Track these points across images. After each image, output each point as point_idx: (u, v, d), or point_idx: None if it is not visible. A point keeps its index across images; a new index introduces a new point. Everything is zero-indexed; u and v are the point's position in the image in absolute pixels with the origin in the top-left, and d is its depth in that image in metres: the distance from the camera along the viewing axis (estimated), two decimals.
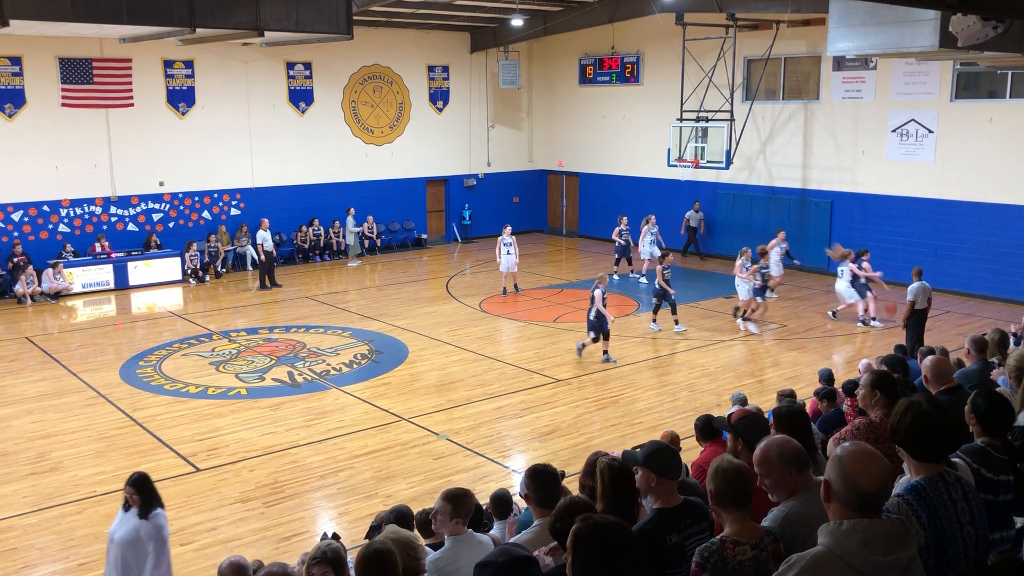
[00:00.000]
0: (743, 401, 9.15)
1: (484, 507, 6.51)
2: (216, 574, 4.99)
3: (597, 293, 13.80)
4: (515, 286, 18.98)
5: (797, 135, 21.33)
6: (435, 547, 4.91)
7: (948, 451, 3.45)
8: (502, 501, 6.37)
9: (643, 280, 20.03)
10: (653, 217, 20.37)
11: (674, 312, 15.70)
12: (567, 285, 20.27)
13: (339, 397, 12.58)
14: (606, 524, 2.95)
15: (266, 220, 20.28)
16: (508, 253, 18.45)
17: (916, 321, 13.41)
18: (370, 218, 24.21)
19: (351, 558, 5.35)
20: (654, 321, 15.91)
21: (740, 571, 3.33)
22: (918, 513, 3.12)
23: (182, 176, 21.53)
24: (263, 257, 19.94)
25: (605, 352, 14.05)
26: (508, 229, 18.84)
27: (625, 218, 20.69)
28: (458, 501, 4.73)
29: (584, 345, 14.17)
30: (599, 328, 13.89)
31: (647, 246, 19.96)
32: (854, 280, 16.09)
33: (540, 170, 28.28)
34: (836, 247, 17.26)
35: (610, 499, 4.08)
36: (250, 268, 22.15)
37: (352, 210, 23.45)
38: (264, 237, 19.89)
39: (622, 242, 20.39)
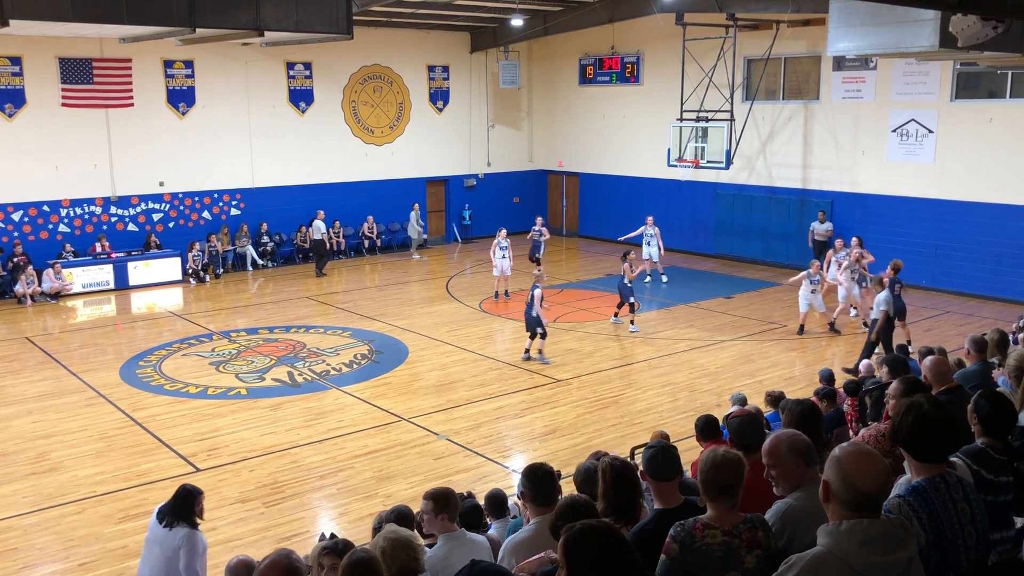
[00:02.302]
0: (743, 401, 9.16)
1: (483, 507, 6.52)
2: (224, 572, 4.98)
3: (538, 292, 13.97)
4: (506, 291, 18.89)
5: (797, 135, 21.33)
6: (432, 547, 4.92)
7: (949, 452, 3.45)
8: (496, 501, 6.38)
9: (647, 280, 20.02)
10: (651, 219, 20.24)
11: (623, 309, 16.17)
12: (567, 285, 20.26)
13: (339, 397, 12.59)
14: (595, 528, 2.93)
15: (321, 212, 21.89)
16: (504, 257, 18.41)
17: (887, 329, 13.10)
18: (370, 218, 24.23)
19: None
20: (631, 322, 16.07)
21: (707, 553, 3.34)
22: (919, 514, 3.12)
23: (182, 176, 21.53)
24: (325, 245, 21.61)
25: (540, 352, 14.13)
26: (504, 232, 18.76)
27: (540, 218, 20.69)
28: (439, 498, 4.78)
29: (529, 348, 14.21)
30: (539, 325, 13.98)
31: (645, 247, 19.91)
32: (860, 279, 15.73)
33: (540, 170, 28.28)
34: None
35: (611, 499, 4.08)
36: (250, 268, 22.16)
37: (417, 206, 24.30)
38: (319, 227, 21.49)
39: (536, 241, 20.30)
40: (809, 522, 3.32)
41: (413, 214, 24.22)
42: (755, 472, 3.97)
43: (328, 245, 22.16)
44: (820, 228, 20.50)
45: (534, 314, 13.90)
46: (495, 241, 18.58)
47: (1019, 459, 4.10)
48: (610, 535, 2.91)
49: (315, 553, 4.36)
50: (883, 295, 13.14)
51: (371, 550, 3.73)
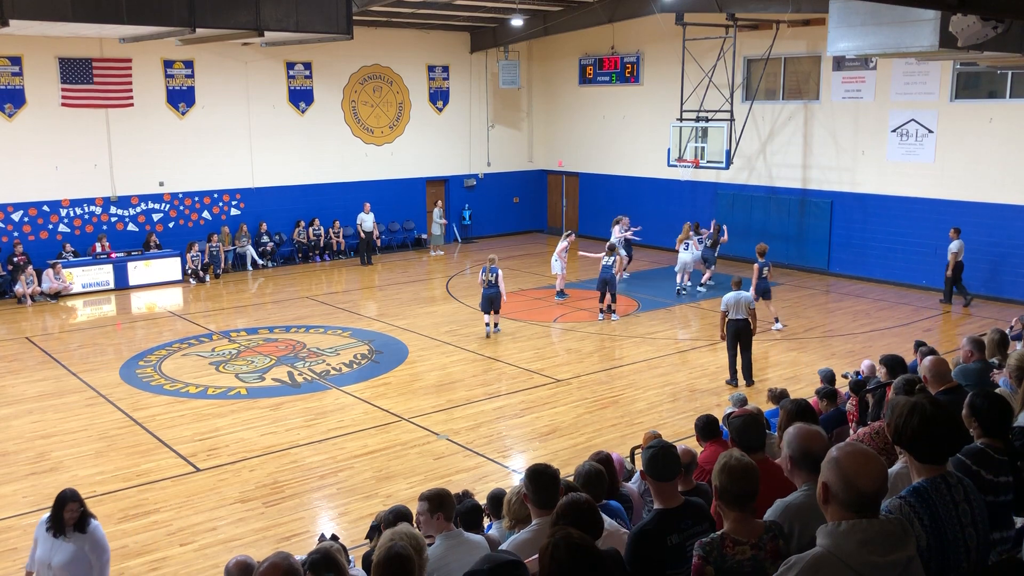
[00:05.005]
0: (743, 401, 9.16)
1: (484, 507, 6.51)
2: (223, 573, 4.98)
3: (501, 273, 15.47)
4: (562, 291, 19.05)
5: (797, 135, 21.33)
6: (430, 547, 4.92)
7: (951, 452, 3.44)
8: (497, 501, 6.37)
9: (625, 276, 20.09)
10: (626, 219, 20.17)
11: (605, 304, 16.87)
12: (567, 285, 20.24)
13: (339, 397, 12.58)
14: (574, 540, 2.96)
15: (368, 204, 23.04)
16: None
17: (734, 335, 12.70)
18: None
19: (352, 557, 5.36)
20: (613, 311, 16.95)
21: (738, 570, 3.34)
22: (920, 515, 3.12)
23: (182, 176, 21.52)
24: (363, 236, 22.94)
25: (496, 325, 15.75)
26: (574, 236, 19.53)
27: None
28: (434, 499, 4.81)
29: (490, 323, 15.70)
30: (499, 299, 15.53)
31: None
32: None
33: (540, 170, 28.27)
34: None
35: None
36: (250, 268, 22.16)
37: (440, 203, 25.12)
38: (363, 219, 22.84)
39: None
40: (811, 518, 3.33)
41: (436, 211, 24.62)
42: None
43: (368, 236, 23.02)
44: (954, 246, 17.42)
45: (497, 291, 15.41)
46: (563, 245, 18.80)
47: (1020, 459, 4.10)
48: (589, 552, 2.93)
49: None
50: (727, 296, 12.76)
51: (406, 546, 3.75)
